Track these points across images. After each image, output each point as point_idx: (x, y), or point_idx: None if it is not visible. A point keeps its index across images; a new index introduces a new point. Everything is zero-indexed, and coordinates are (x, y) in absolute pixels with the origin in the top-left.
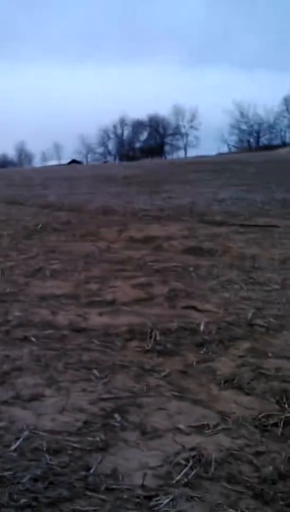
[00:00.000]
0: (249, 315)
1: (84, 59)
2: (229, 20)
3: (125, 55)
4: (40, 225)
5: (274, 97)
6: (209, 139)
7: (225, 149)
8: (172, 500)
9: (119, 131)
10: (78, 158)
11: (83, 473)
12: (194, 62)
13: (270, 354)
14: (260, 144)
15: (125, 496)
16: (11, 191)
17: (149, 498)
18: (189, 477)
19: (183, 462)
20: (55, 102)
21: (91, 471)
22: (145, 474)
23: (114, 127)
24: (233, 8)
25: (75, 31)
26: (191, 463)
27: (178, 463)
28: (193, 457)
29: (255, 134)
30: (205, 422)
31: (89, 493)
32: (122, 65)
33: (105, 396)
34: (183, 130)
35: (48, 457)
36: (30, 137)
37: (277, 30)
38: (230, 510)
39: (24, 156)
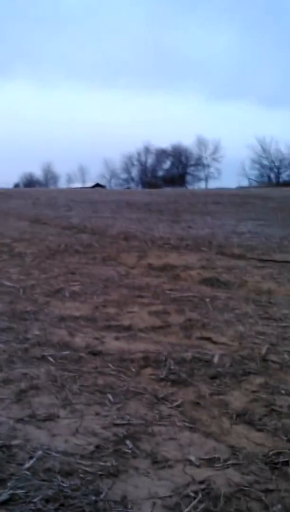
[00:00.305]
0: (264, 350)
1: (112, 85)
2: (256, 56)
3: (151, 84)
4: (63, 246)
5: None
6: (230, 172)
7: (245, 182)
8: None
9: (143, 158)
10: (101, 182)
11: (94, 497)
12: (219, 95)
13: (283, 391)
14: (281, 180)
15: None
16: (36, 210)
17: None
18: (198, 510)
19: (193, 494)
20: (82, 125)
21: (101, 496)
22: (154, 504)
23: (138, 154)
24: (260, 44)
25: (103, 57)
26: (200, 496)
27: (187, 495)
28: (203, 490)
29: (276, 170)
30: (216, 456)
31: None
32: (148, 93)
33: (118, 421)
34: (205, 162)
35: (60, 479)
36: (57, 158)
37: None
38: None
39: (50, 176)
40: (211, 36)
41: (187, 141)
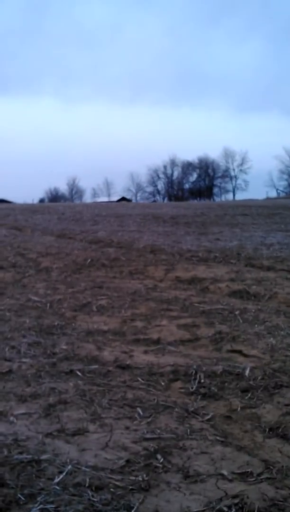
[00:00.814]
0: None
1: (137, 100)
2: (282, 67)
3: (176, 98)
4: (89, 260)
5: None
6: (258, 183)
7: (273, 194)
8: None
9: (169, 171)
10: (127, 196)
11: None
12: (245, 107)
13: None
14: None
15: None
16: (62, 225)
17: None
18: None
19: (226, 509)
20: (107, 140)
21: (133, 511)
22: None
23: (164, 167)
24: (286, 55)
25: (128, 73)
26: (233, 510)
27: (221, 510)
28: (236, 504)
29: None
30: (249, 470)
31: None
32: (174, 107)
33: (148, 436)
34: (232, 173)
35: (90, 493)
36: (82, 173)
37: None
38: None
39: (75, 191)
40: (236, 49)
41: (214, 153)
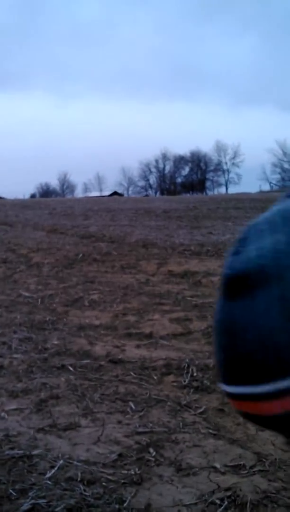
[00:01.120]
0: None
1: (129, 96)
2: (274, 62)
3: (168, 93)
4: (81, 255)
5: None
6: (251, 177)
7: (266, 187)
8: None
9: (161, 165)
10: (119, 190)
11: (117, 506)
12: (237, 101)
13: None
14: None
15: None
16: (53, 220)
17: None
18: None
19: (218, 501)
20: (99, 136)
21: (125, 504)
22: None
23: (156, 161)
24: (279, 50)
25: (122, 69)
26: (226, 503)
27: (213, 502)
28: (229, 497)
29: None
30: (241, 462)
31: None
32: (166, 102)
33: (141, 429)
34: (224, 167)
35: (82, 488)
36: (73, 168)
37: None
38: None
39: (66, 186)
40: (231, 44)
41: (206, 147)
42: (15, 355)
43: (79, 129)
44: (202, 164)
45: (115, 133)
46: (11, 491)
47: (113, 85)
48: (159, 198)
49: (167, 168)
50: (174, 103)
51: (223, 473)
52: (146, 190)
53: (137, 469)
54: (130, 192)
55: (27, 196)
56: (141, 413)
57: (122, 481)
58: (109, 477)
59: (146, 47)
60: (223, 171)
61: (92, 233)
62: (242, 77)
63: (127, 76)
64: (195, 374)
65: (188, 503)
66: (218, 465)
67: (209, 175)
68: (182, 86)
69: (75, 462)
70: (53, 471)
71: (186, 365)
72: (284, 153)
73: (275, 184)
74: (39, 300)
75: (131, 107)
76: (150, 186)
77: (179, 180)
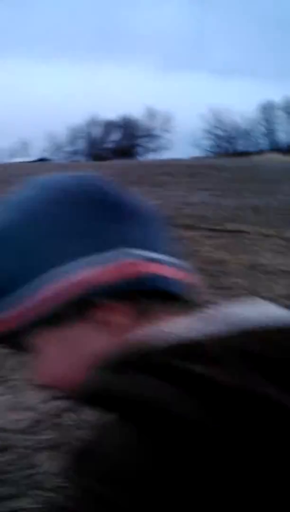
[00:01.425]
0: None
1: (55, 58)
2: (207, 27)
3: (98, 57)
4: None
5: (251, 104)
6: (183, 143)
7: (198, 153)
8: None
9: (90, 130)
10: (46, 156)
11: (29, 471)
12: (170, 66)
13: None
14: (236, 150)
15: None
16: None
17: None
18: None
19: None
20: (24, 98)
21: (38, 469)
22: None
23: (85, 126)
24: (212, 15)
25: (47, 30)
26: None
27: None
28: None
29: (231, 140)
30: None
31: (35, 492)
32: (95, 66)
33: (59, 394)
34: (156, 133)
35: None
36: None
37: (255, 38)
38: None
39: None
40: (159, 7)
41: (137, 113)
42: None
43: (2, 91)
44: (132, 130)
45: (40, 96)
46: None
47: (38, 46)
48: (88, 164)
49: (97, 133)
50: (103, 67)
51: None
52: (75, 156)
53: (53, 434)
54: (58, 158)
55: None
56: None
57: (37, 446)
58: (24, 443)
59: (72, 5)
60: (154, 137)
61: None
62: (173, 41)
63: (52, 37)
64: None
65: None
66: None
67: (140, 141)
68: (111, 49)
69: None
70: None
71: None
72: (217, 120)
73: (208, 150)
74: None
75: (57, 70)
76: (79, 152)
77: (109, 145)
